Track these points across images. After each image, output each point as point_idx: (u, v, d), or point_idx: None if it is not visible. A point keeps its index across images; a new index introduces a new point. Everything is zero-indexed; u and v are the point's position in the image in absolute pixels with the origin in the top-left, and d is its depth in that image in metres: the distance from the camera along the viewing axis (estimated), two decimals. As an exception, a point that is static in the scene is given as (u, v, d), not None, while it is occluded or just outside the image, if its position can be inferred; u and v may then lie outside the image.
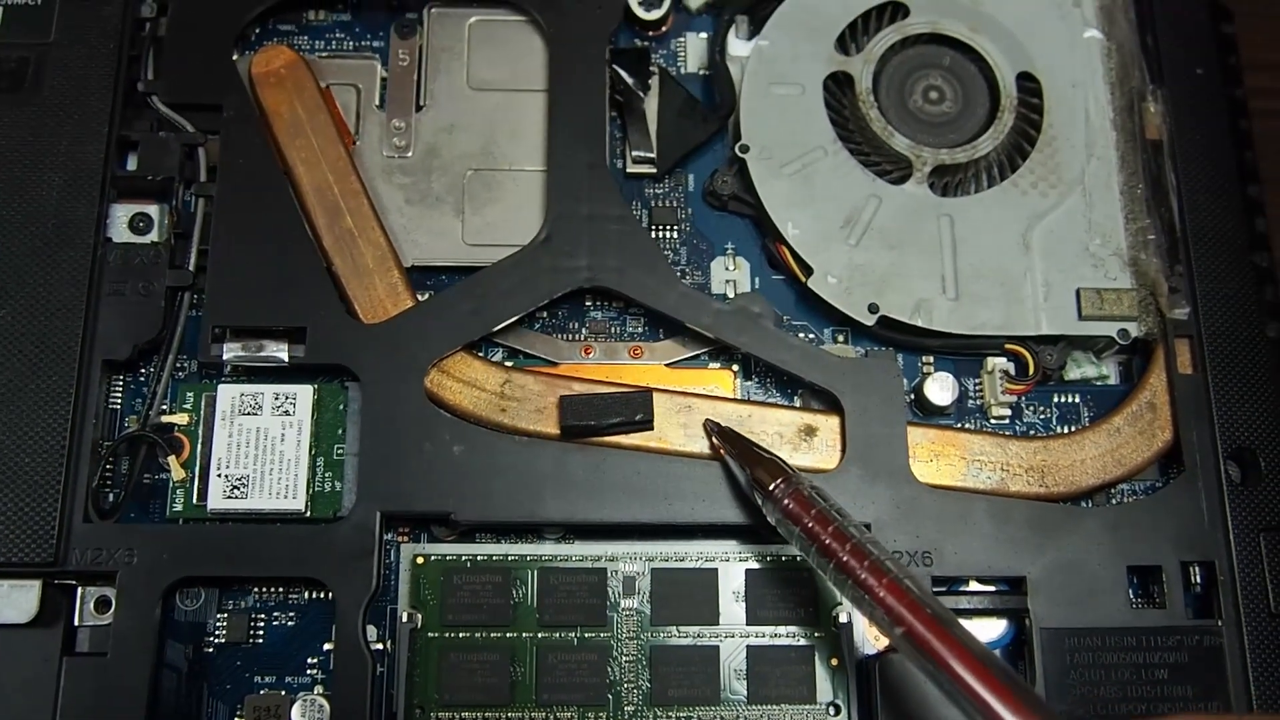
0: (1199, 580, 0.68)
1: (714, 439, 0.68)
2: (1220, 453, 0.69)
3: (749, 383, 0.73)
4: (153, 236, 0.72)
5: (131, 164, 0.73)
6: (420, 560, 0.67)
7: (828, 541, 0.59)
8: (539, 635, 0.66)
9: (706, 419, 0.69)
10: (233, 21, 0.75)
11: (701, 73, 0.79)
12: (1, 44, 0.73)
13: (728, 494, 0.67)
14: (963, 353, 0.73)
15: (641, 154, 0.75)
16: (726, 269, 0.75)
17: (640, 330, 0.74)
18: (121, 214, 0.72)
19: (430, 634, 0.66)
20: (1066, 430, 0.73)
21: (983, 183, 0.75)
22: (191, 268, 0.71)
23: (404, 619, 0.66)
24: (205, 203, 0.72)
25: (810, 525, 0.60)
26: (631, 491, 0.67)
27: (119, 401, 0.71)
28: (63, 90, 0.72)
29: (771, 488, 0.62)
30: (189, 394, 0.69)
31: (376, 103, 0.76)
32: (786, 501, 0.62)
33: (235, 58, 0.75)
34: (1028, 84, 0.77)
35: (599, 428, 0.68)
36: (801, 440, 0.70)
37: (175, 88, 0.74)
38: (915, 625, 0.55)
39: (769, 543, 0.68)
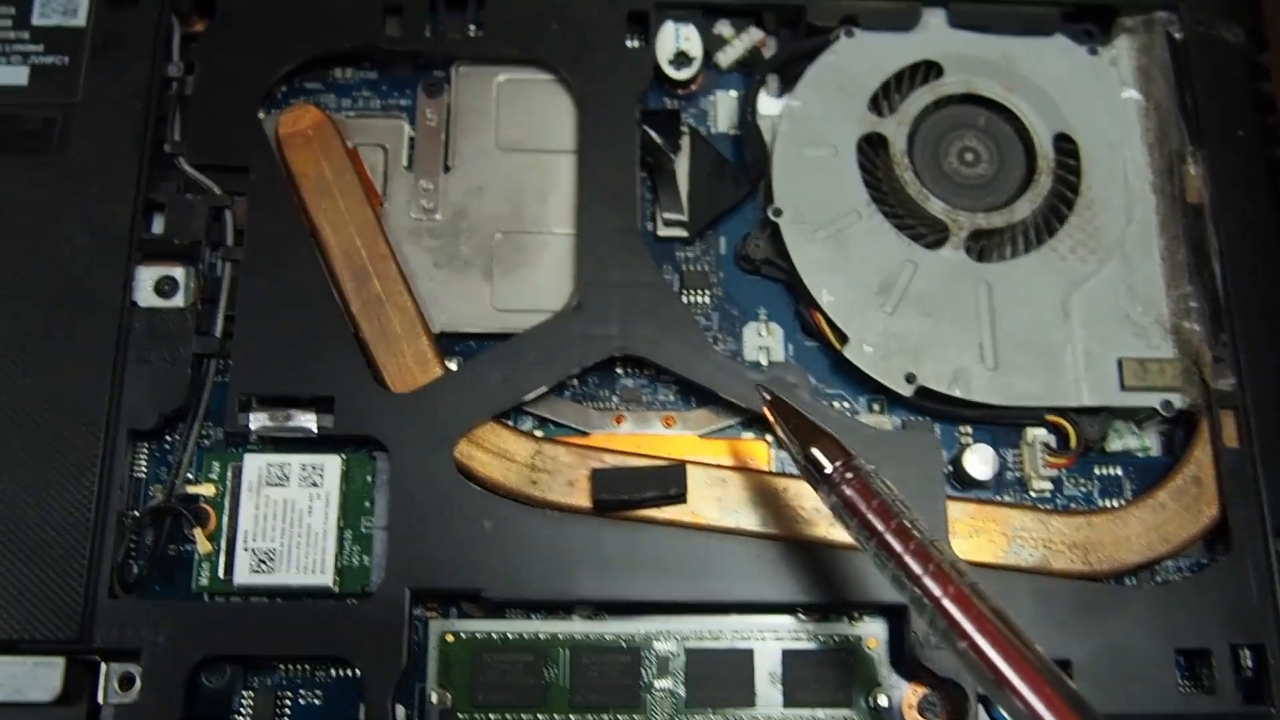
0: (1250, 664, 0.66)
1: (765, 410, 0.62)
2: (1269, 529, 0.67)
3: (784, 453, 0.72)
4: (178, 300, 0.70)
5: (157, 226, 0.72)
6: (450, 638, 0.66)
7: (889, 538, 0.54)
8: (571, 717, 0.65)
9: (759, 383, 0.66)
10: (260, 81, 0.74)
11: (732, 132, 0.78)
12: (28, 104, 0.72)
13: (764, 571, 0.66)
14: (1001, 423, 0.72)
15: (672, 216, 0.74)
16: (759, 335, 0.74)
17: (672, 399, 0.73)
18: (147, 277, 0.70)
19: (460, 715, 0.65)
20: (1109, 504, 0.71)
21: (1019, 247, 0.74)
22: (218, 334, 0.70)
23: (433, 699, 0.64)
24: (232, 267, 0.71)
25: (870, 518, 0.55)
26: (666, 569, 0.66)
27: (144, 470, 0.70)
28: (89, 151, 0.71)
29: (829, 471, 0.57)
30: (215, 464, 0.68)
31: (404, 163, 0.75)
32: (845, 487, 0.56)
33: (261, 116, 0.74)
34: (1064, 145, 0.76)
35: (632, 502, 0.67)
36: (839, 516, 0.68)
37: (202, 149, 0.73)
38: (980, 641, 0.50)
39: (806, 621, 0.67)
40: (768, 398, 0.63)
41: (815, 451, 0.58)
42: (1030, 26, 0.77)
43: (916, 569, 0.53)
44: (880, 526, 0.55)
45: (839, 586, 0.66)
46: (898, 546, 0.54)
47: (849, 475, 0.57)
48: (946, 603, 0.52)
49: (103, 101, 0.72)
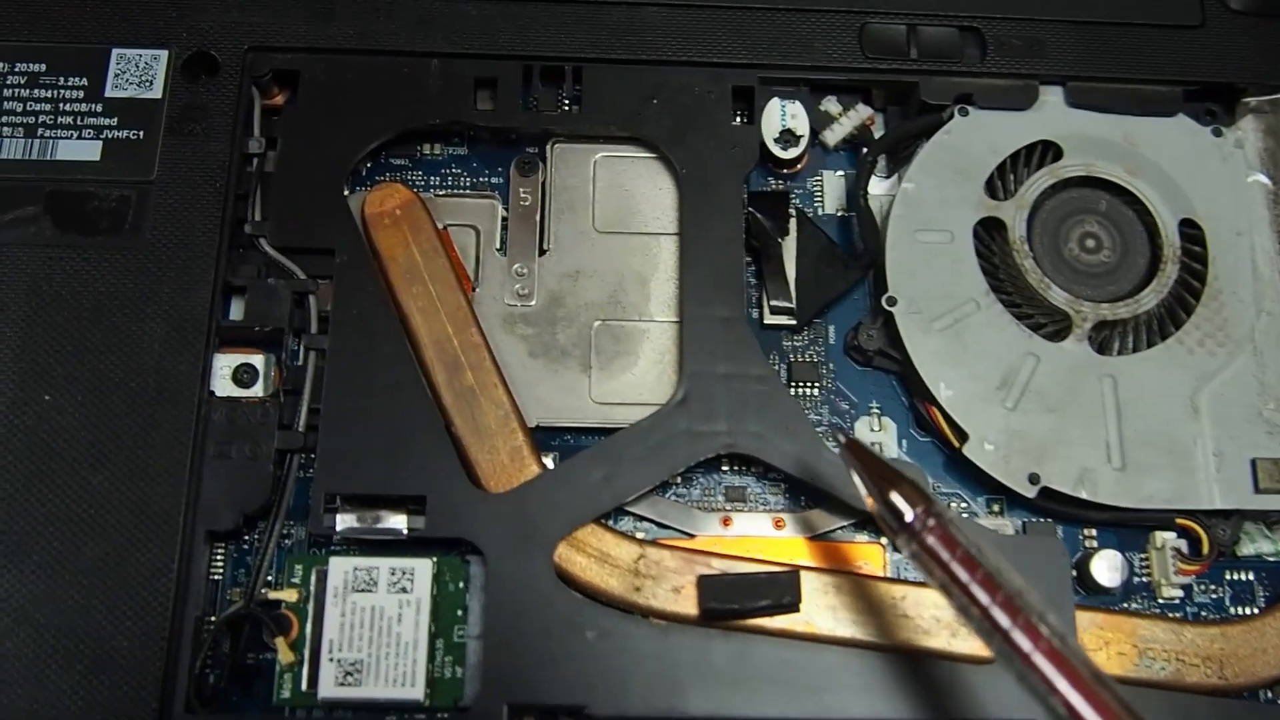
0: (1403, 791, 0.62)
1: (842, 452, 0.60)
2: None
3: (898, 555, 0.68)
4: (257, 390, 0.67)
5: (236, 311, 0.69)
6: (550, 758, 0.62)
7: (974, 590, 0.51)
8: (681, 846, 0.61)
9: (840, 431, 0.62)
10: (345, 157, 0.70)
11: (839, 214, 0.74)
12: (101, 182, 0.68)
13: (882, 686, 0.62)
14: (1128, 525, 0.68)
15: (780, 304, 0.70)
16: (871, 430, 0.70)
17: (782, 499, 0.69)
18: (224, 364, 0.67)
19: (563, 843, 0.60)
20: (1241, 611, 0.67)
21: (1143, 339, 0.70)
22: (302, 428, 0.66)
23: (533, 827, 0.60)
24: (316, 355, 0.67)
25: (954, 567, 0.52)
26: (779, 683, 0.62)
27: (220, 571, 0.66)
28: (165, 232, 0.67)
29: (910, 518, 0.54)
30: (297, 567, 0.64)
31: (497, 246, 0.71)
32: (927, 535, 0.53)
33: (346, 194, 0.70)
34: (1189, 231, 0.72)
35: (743, 611, 0.63)
36: (962, 625, 0.64)
37: (284, 229, 0.69)
38: (1073, 698, 0.47)
39: (929, 741, 0.63)
40: (843, 440, 0.60)
41: (895, 497, 0.55)
42: (1151, 107, 0.74)
43: (1004, 622, 0.50)
44: (965, 577, 0.52)
45: (962, 703, 0.62)
46: (984, 598, 0.51)
47: (930, 522, 0.54)
48: (1037, 658, 0.49)
49: (180, 179, 0.69)
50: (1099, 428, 0.67)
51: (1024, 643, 0.49)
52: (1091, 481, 0.66)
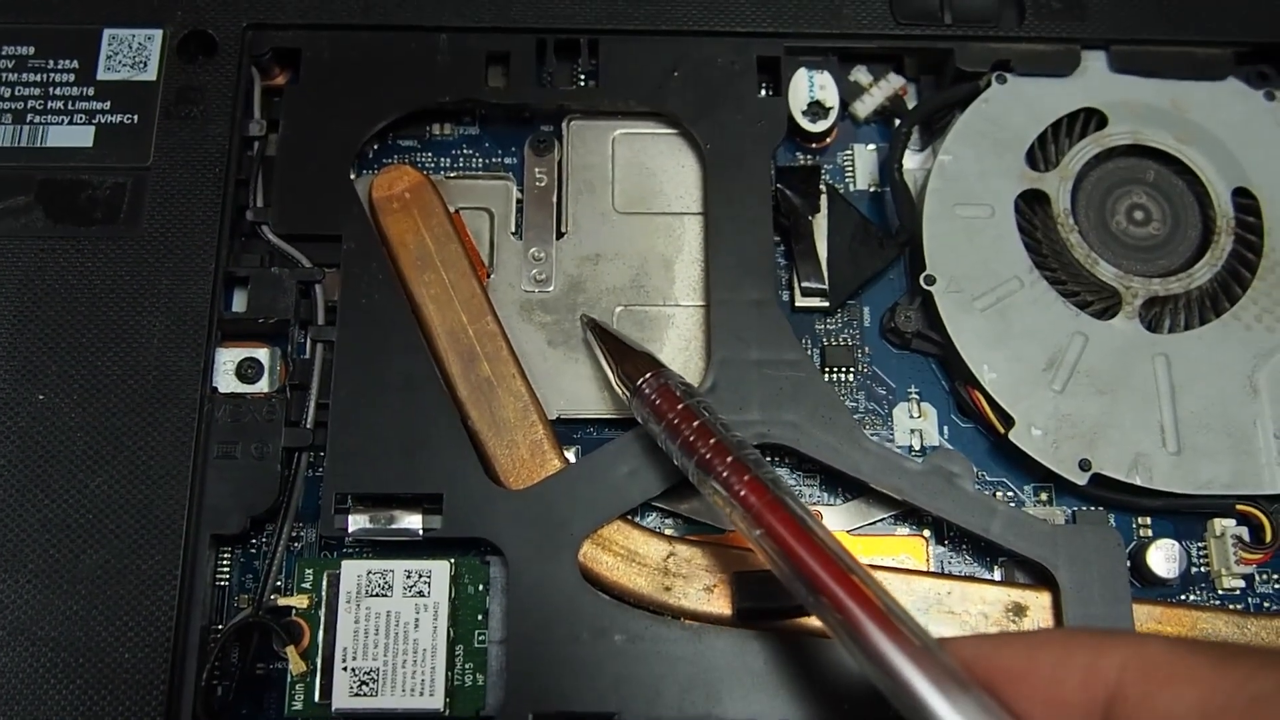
0: None
1: (587, 333, 0.64)
2: None
3: (941, 548, 0.64)
4: (262, 385, 0.63)
5: (239, 303, 0.65)
6: (579, 770, 0.58)
7: (691, 438, 0.55)
8: None
9: (583, 313, 0.66)
10: (350, 139, 0.67)
11: (871, 190, 0.71)
12: (94, 169, 0.65)
13: (931, 688, 0.58)
14: (1184, 513, 0.64)
15: (811, 285, 0.67)
16: (911, 416, 0.66)
17: (818, 491, 0.65)
18: (227, 359, 0.64)
19: None
20: (1307, 603, 0.64)
21: (1196, 315, 0.66)
22: (310, 424, 0.63)
23: (564, 842, 0.57)
24: (324, 348, 0.64)
25: (674, 420, 0.56)
26: (819, 687, 0.58)
27: (227, 577, 0.62)
28: (162, 221, 0.64)
29: (640, 383, 0.59)
30: (308, 571, 0.61)
31: (512, 229, 0.68)
32: (653, 396, 0.58)
33: (353, 178, 0.67)
34: (1243, 201, 0.68)
35: (780, 611, 0.59)
36: (1010, 621, 0.61)
37: (288, 216, 0.66)
38: (774, 524, 0.51)
39: (981, 747, 0.59)
40: (589, 322, 0.64)
41: (628, 366, 0.60)
42: (1200, 70, 0.70)
43: (715, 462, 0.54)
44: (683, 428, 0.56)
45: (1013, 704, 0.59)
46: (699, 445, 0.55)
47: (657, 385, 0.58)
48: (743, 491, 0.53)
49: (177, 165, 0.66)
50: (1152, 410, 0.64)
51: (733, 480, 0.53)
52: (1146, 467, 0.63)
